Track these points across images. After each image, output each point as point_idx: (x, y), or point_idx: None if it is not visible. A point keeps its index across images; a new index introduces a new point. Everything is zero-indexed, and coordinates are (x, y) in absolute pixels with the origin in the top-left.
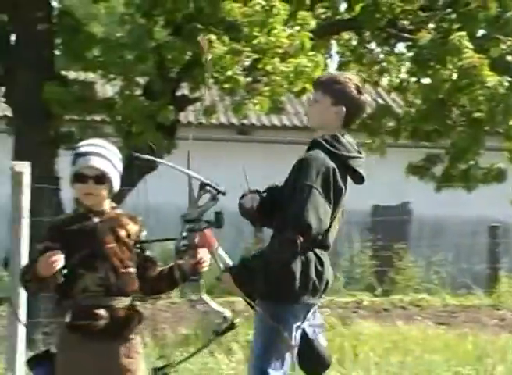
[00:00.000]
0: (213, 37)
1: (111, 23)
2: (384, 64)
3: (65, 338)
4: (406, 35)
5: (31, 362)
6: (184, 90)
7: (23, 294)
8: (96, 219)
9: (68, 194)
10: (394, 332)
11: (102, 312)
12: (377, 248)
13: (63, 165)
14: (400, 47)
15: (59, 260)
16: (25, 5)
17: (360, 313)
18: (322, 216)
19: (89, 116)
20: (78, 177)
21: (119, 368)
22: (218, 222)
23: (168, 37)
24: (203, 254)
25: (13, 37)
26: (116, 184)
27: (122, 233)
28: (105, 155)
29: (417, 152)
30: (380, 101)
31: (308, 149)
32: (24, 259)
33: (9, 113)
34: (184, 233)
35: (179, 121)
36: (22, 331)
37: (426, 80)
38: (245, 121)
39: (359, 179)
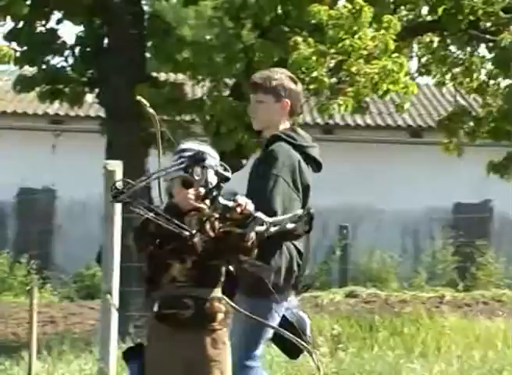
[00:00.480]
0: (299, 39)
1: (200, 26)
2: (466, 65)
3: (153, 329)
4: (487, 36)
5: (126, 355)
6: None
7: (115, 289)
8: (191, 215)
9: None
10: (476, 326)
11: (189, 301)
12: (459, 244)
13: (153, 164)
14: (482, 48)
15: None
16: (117, 10)
17: (442, 308)
18: (287, 204)
19: (179, 116)
20: (185, 183)
21: (205, 358)
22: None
23: (256, 40)
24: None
25: (106, 41)
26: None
27: (209, 226)
28: (211, 164)
29: (498, 151)
30: (462, 101)
31: (267, 145)
32: (117, 255)
33: (102, 114)
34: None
35: None
36: (115, 324)
37: (506, 82)
38: (330, 120)
39: (318, 167)
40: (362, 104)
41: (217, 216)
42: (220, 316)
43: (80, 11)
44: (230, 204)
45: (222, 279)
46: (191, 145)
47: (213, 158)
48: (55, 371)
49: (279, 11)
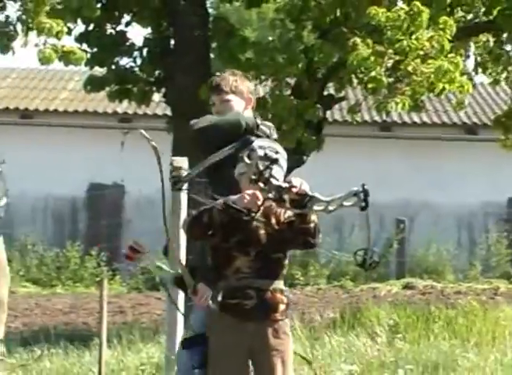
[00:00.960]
0: (358, 39)
1: (262, 28)
2: None
3: (217, 319)
4: None
5: (184, 344)
6: (330, 89)
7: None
8: (236, 196)
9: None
10: None
11: (251, 292)
12: None
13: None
14: None
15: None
16: (183, 12)
17: (497, 299)
18: None
19: None
20: (251, 179)
21: (267, 348)
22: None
23: (316, 41)
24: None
25: (172, 42)
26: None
27: (273, 220)
28: (260, 145)
29: None
30: None
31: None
32: (182, 248)
33: (169, 112)
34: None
35: (325, 119)
36: (181, 315)
37: None
38: (387, 118)
39: None
40: (418, 102)
41: (271, 196)
42: (282, 306)
43: (148, 14)
44: (284, 185)
45: (285, 272)
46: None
47: (263, 142)
48: (124, 359)
49: (339, 13)
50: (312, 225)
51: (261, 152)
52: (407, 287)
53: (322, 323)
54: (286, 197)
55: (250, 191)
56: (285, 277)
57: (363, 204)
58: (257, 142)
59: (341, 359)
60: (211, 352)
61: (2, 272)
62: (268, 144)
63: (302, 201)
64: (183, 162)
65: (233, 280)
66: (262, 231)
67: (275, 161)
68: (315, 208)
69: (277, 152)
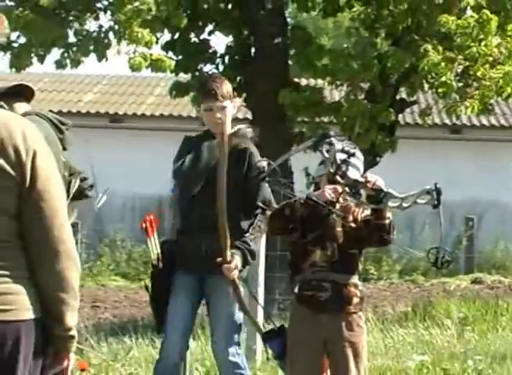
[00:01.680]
0: (429, 46)
1: (338, 36)
2: None
3: (294, 311)
4: None
5: (265, 336)
6: (402, 94)
7: (261, 275)
8: (319, 191)
9: (301, 186)
10: None
11: (326, 285)
12: None
13: (295, 160)
14: None
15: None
16: (263, 22)
17: None
18: None
19: (318, 117)
20: (330, 181)
21: (340, 339)
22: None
23: (389, 47)
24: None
25: (252, 50)
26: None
27: (351, 218)
28: (357, 165)
29: None
30: None
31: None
32: (262, 243)
33: (249, 116)
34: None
35: (398, 122)
36: (260, 308)
37: None
38: (457, 121)
39: None
40: (487, 106)
41: (347, 190)
42: (356, 300)
43: (230, 23)
44: (360, 179)
45: (360, 267)
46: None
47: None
48: (207, 349)
49: (410, 21)
50: (387, 221)
51: (339, 146)
52: (475, 281)
53: (394, 316)
54: (362, 192)
55: (330, 186)
56: (359, 272)
57: (435, 202)
58: (334, 138)
59: (412, 350)
60: (289, 343)
61: (71, 259)
62: (345, 140)
63: (377, 197)
64: (263, 163)
65: (309, 272)
66: (339, 228)
67: (352, 155)
68: (390, 204)
69: (355, 147)
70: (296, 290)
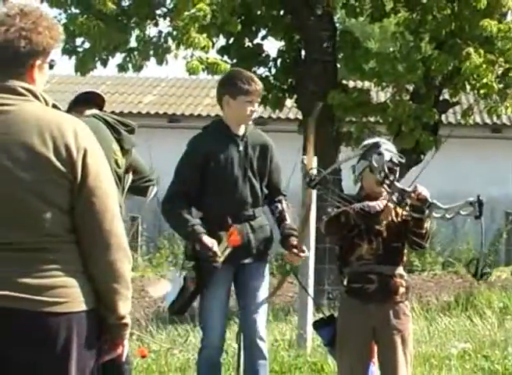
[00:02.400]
0: (471, 49)
1: (384, 40)
2: None
3: (344, 301)
4: None
5: (316, 324)
6: (445, 95)
7: (311, 267)
8: (373, 202)
9: (349, 182)
10: None
11: (373, 277)
12: None
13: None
14: None
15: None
16: (313, 27)
17: None
18: None
19: (365, 117)
20: (378, 184)
21: (388, 327)
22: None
23: (433, 51)
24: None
25: (303, 54)
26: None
27: (393, 214)
28: (387, 149)
29: None
30: None
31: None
32: (312, 237)
33: (300, 116)
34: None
35: (441, 121)
36: (311, 298)
37: None
38: (497, 121)
39: None
40: None
41: (395, 199)
42: (401, 290)
43: (282, 29)
44: (407, 189)
45: (404, 259)
46: (371, 140)
47: (388, 146)
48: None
49: (453, 26)
50: (424, 231)
51: (387, 156)
52: None
53: (438, 306)
54: (407, 201)
55: (384, 203)
56: (404, 263)
57: (477, 213)
58: (384, 146)
59: (455, 338)
60: (339, 331)
61: (122, 250)
62: (393, 149)
63: (422, 207)
64: (313, 160)
65: (357, 265)
66: (383, 223)
67: (399, 164)
68: (434, 214)
69: (402, 157)
70: (345, 282)
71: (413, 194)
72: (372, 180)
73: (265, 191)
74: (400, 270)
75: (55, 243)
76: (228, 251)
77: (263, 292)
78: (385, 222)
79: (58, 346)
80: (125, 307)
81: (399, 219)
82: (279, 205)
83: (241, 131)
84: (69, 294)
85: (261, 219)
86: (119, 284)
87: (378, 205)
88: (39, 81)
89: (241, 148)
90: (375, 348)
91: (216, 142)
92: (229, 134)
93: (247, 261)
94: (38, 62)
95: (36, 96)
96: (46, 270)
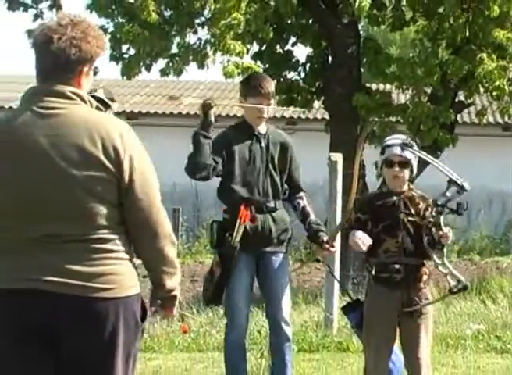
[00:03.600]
0: (484, 55)
1: (404, 46)
2: None
3: (371, 288)
4: None
5: (345, 309)
6: (461, 97)
7: (337, 254)
8: (395, 197)
9: (371, 177)
10: None
11: (399, 267)
12: None
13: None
14: None
15: (365, 245)
16: (339, 35)
17: None
18: None
19: (387, 117)
20: (387, 163)
21: (413, 310)
22: (457, 211)
23: (449, 56)
24: (447, 231)
25: (330, 59)
26: (415, 169)
27: (414, 211)
28: (406, 146)
29: None
30: None
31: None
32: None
33: (327, 116)
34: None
35: (457, 121)
36: (337, 283)
37: None
38: (508, 121)
39: None
40: None
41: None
42: (424, 277)
43: (310, 36)
44: (440, 232)
45: (427, 251)
46: (393, 138)
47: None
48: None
49: (468, 33)
50: (442, 233)
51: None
52: None
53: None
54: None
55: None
56: (425, 253)
57: (460, 190)
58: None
59: (470, 320)
60: (366, 315)
61: (167, 237)
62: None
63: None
64: (338, 157)
65: (383, 257)
66: (405, 219)
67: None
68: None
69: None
70: (373, 272)
71: (442, 238)
72: (390, 175)
73: (285, 186)
74: (423, 259)
75: (105, 234)
76: (242, 229)
77: (284, 280)
78: (406, 219)
79: (107, 330)
80: (172, 281)
81: (420, 217)
82: (301, 201)
83: (263, 130)
84: (117, 281)
85: (281, 211)
86: (166, 266)
87: (362, 245)
88: (85, 86)
89: (263, 145)
90: (398, 331)
91: (240, 138)
92: (251, 132)
93: (268, 249)
94: (86, 68)
95: (83, 99)
96: (96, 259)
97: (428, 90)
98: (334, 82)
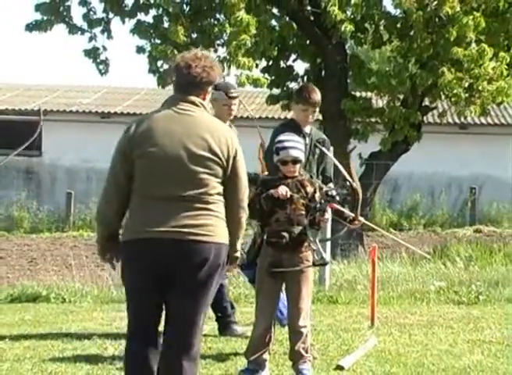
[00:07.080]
0: (445, 69)
1: (382, 62)
2: None
3: (264, 250)
4: None
5: (241, 266)
6: (426, 102)
7: (328, 224)
8: (289, 180)
9: (356, 166)
10: None
11: (285, 234)
12: None
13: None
14: None
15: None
16: (330, 53)
17: None
18: None
19: (368, 118)
20: (282, 162)
21: (297, 270)
22: (340, 202)
23: (417, 70)
24: (327, 217)
25: (323, 72)
26: (302, 161)
27: (302, 190)
28: (297, 147)
29: None
30: None
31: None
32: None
33: (320, 117)
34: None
35: (423, 121)
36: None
37: None
38: (464, 121)
39: None
40: (485, 109)
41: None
42: (305, 243)
43: (308, 54)
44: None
45: (306, 222)
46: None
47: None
48: None
49: (432, 51)
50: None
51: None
52: (477, 231)
53: (421, 255)
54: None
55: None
56: (307, 225)
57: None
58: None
59: (433, 278)
60: (258, 271)
61: (245, 211)
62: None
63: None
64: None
65: (275, 225)
66: (295, 195)
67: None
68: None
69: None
70: (264, 237)
71: (322, 218)
72: (285, 170)
73: (320, 176)
74: (304, 230)
75: (210, 198)
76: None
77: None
78: (295, 195)
79: (209, 263)
80: (239, 245)
81: (307, 196)
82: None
83: (308, 130)
84: (216, 231)
85: None
86: (240, 231)
87: (282, 193)
88: (207, 99)
89: (307, 142)
90: (284, 284)
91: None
92: (300, 130)
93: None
94: (209, 88)
95: (205, 108)
96: (203, 215)
97: (401, 96)
98: (327, 90)
